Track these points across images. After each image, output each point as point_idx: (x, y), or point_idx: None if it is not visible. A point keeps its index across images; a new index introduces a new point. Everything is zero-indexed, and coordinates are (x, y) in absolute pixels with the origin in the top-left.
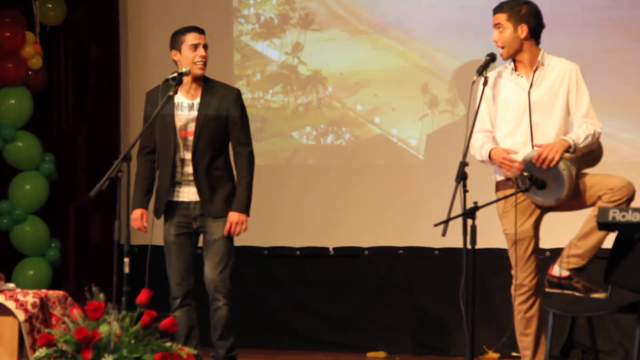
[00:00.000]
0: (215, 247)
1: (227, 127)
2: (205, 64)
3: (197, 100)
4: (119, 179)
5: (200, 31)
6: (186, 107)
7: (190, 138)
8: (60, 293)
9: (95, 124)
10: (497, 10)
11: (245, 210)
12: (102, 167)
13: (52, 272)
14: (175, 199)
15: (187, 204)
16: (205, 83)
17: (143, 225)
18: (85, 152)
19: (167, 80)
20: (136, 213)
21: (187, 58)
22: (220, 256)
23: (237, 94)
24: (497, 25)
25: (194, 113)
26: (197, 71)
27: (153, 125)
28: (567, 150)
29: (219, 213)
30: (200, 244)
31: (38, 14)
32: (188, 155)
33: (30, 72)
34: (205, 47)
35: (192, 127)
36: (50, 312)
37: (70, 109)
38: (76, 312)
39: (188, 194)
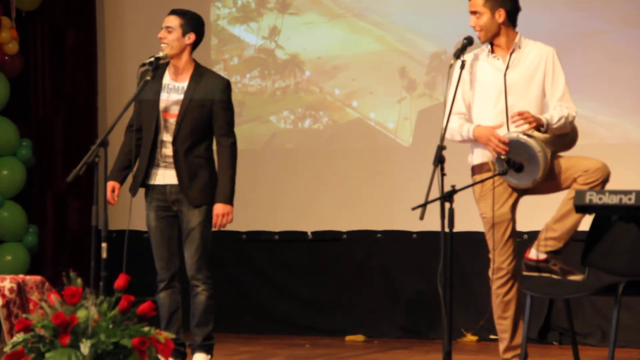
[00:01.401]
0: (192, 235)
1: (211, 115)
2: (167, 44)
3: (184, 84)
4: (96, 164)
5: (170, 12)
6: (172, 89)
7: (172, 120)
8: (38, 278)
9: (72, 109)
10: None
11: (230, 201)
12: (79, 152)
13: (30, 257)
14: (152, 182)
15: (164, 187)
16: (195, 69)
17: (112, 199)
18: (62, 138)
19: (142, 64)
20: (108, 185)
21: None
22: (197, 243)
23: (226, 84)
24: (474, 12)
25: (179, 96)
26: (161, 51)
27: (136, 108)
28: (539, 128)
29: (196, 201)
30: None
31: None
32: (168, 138)
33: (6, 58)
34: (167, 29)
35: (175, 110)
36: (28, 298)
37: (47, 95)
38: (54, 297)
39: (164, 176)
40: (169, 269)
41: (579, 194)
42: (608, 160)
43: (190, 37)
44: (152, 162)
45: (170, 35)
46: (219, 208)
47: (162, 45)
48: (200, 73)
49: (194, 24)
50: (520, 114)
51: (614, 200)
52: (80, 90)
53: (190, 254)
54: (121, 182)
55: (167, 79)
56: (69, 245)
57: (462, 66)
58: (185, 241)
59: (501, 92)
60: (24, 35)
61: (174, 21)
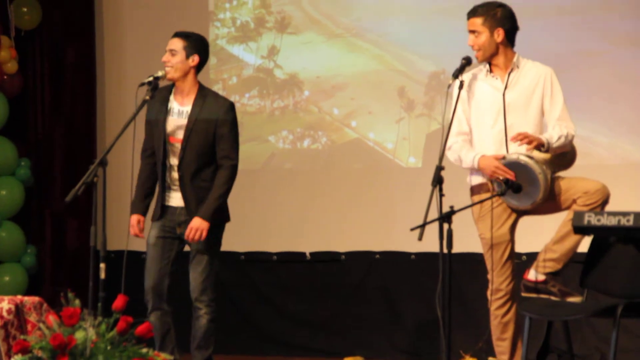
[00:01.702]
0: (198, 257)
1: (215, 138)
2: (171, 67)
3: (188, 108)
4: (94, 183)
5: (173, 35)
6: (176, 113)
7: (178, 145)
8: (36, 299)
9: (72, 129)
10: (472, 14)
11: (209, 218)
12: (78, 172)
13: (28, 278)
14: (167, 203)
15: (175, 208)
16: (199, 91)
17: (140, 231)
18: (61, 157)
19: (142, 84)
20: (133, 219)
21: None
22: (203, 266)
23: (229, 106)
24: (472, 31)
25: (183, 120)
26: (166, 75)
27: (147, 132)
28: (539, 148)
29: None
30: (187, 248)
31: (13, 18)
32: (175, 162)
33: (5, 77)
34: (171, 52)
35: (180, 134)
36: (26, 319)
37: (46, 114)
38: (52, 319)
39: (175, 199)
40: (155, 289)
41: (578, 215)
42: (606, 181)
43: (194, 59)
44: (164, 186)
45: (174, 58)
46: (194, 222)
47: (166, 68)
48: (203, 95)
49: (198, 45)
50: (520, 134)
51: (612, 221)
52: (79, 110)
53: (196, 276)
54: (144, 213)
55: (172, 102)
56: (67, 266)
57: (461, 86)
58: (191, 263)
59: (500, 111)
60: (23, 54)
61: (177, 44)
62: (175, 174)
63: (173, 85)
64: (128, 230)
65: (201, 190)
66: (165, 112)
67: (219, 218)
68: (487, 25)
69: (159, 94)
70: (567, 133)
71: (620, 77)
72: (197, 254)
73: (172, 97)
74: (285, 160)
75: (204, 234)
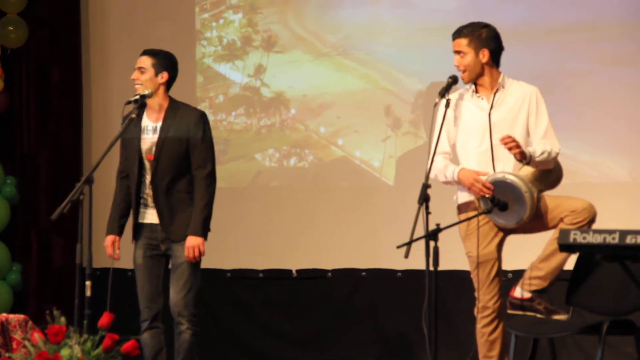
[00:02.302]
0: (179, 271)
1: (188, 149)
2: (140, 85)
3: (159, 124)
4: (80, 201)
5: (142, 53)
6: (150, 130)
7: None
8: (21, 317)
9: (57, 147)
10: (457, 35)
11: (201, 233)
12: (64, 190)
13: (13, 295)
14: (142, 220)
15: (153, 226)
16: (169, 105)
17: (115, 253)
18: (47, 175)
19: (128, 102)
20: (107, 240)
21: None
22: (185, 280)
23: (199, 115)
24: (458, 52)
25: (156, 136)
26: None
27: (122, 153)
28: (521, 160)
29: (181, 236)
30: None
31: None
32: (149, 178)
33: None
34: (140, 69)
35: (154, 150)
36: (11, 336)
37: (32, 132)
38: (37, 336)
39: (152, 215)
40: (152, 308)
41: (563, 233)
42: (592, 199)
43: (164, 76)
44: (140, 203)
45: (143, 76)
46: (189, 241)
47: (135, 86)
48: (174, 109)
49: (167, 62)
50: (506, 136)
51: (597, 239)
52: (65, 128)
53: (177, 291)
54: (119, 234)
55: (145, 120)
56: (52, 284)
57: (447, 105)
58: (172, 277)
59: (486, 131)
60: (9, 72)
61: (146, 61)
62: (149, 190)
63: (145, 105)
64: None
65: (175, 202)
66: (139, 131)
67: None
68: (472, 46)
69: (129, 116)
70: (551, 150)
71: (605, 96)
72: (179, 268)
73: (144, 116)
74: (271, 178)
75: (202, 248)
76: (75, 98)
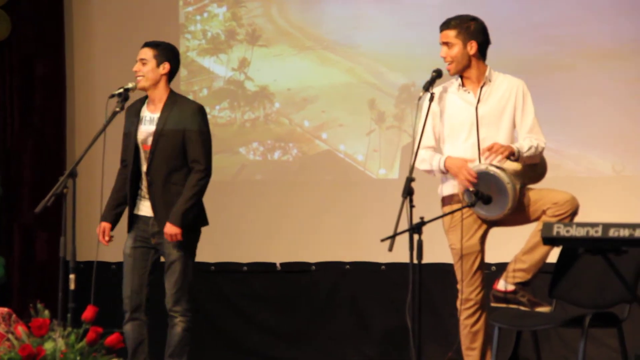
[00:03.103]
0: (173, 267)
1: (184, 142)
2: (142, 76)
3: (157, 115)
4: (64, 195)
5: (143, 45)
6: (148, 121)
7: (148, 152)
8: (5, 310)
9: (41, 141)
10: (445, 27)
11: (179, 222)
12: (47, 184)
13: None
14: (137, 212)
15: (147, 218)
16: (169, 97)
17: (104, 239)
18: (30, 169)
19: (112, 96)
20: (99, 226)
21: None
22: (177, 276)
23: (197, 109)
24: (445, 43)
25: (153, 127)
26: (137, 85)
27: (124, 142)
28: (510, 157)
29: None
30: (162, 258)
31: None
32: (145, 169)
33: None
34: (141, 61)
35: (150, 141)
36: None
37: (15, 126)
38: (21, 329)
39: (146, 207)
40: (133, 299)
41: (547, 226)
42: (575, 193)
43: (165, 67)
44: (136, 194)
45: (145, 67)
46: (166, 227)
47: (137, 78)
48: (173, 101)
49: (168, 54)
50: (489, 148)
51: (581, 232)
52: (48, 121)
53: (170, 286)
54: (113, 222)
55: (144, 111)
56: (36, 277)
57: (431, 99)
58: (166, 273)
59: (473, 125)
60: None
61: (147, 53)
62: (145, 181)
63: (147, 96)
64: (97, 241)
65: (171, 195)
66: (137, 122)
67: (191, 225)
68: (460, 37)
69: (133, 107)
70: (538, 145)
71: (590, 90)
72: (171, 264)
73: (144, 107)
74: (255, 172)
75: (179, 237)
76: (59, 92)
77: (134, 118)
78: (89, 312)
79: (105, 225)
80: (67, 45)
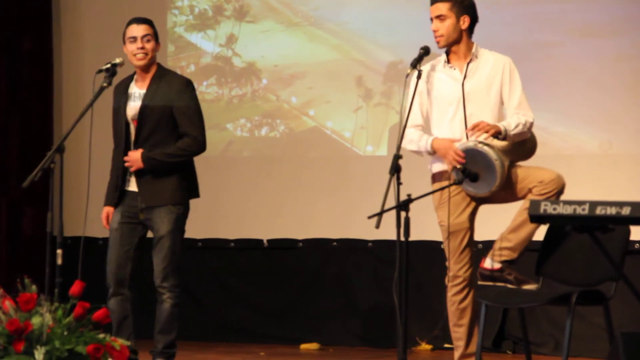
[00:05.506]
0: (161, 243)
1: (172, 116)
2: (145, 55)
3: (144, 90)
4: (51, 170)
5: (139, 21)
6: (137, 97)
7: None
8: None
9: (28, 116)
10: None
11: (146, 160)
12: (34, 159)
13: None
14: (126, 187)
15: (136, 194)
16: (157, 71)
17: (108, 225)
18: (17, 144)
19: (99, 71)
20: (103, 211)
21: (128, 51)
22: (165, 252)
23: (184, 82)
24: (438, 16)
25: (140, 102)
26: (136, 62)
27: (113, 122)
28: (497, 135)
29: (159, 201)
30: (150, 234)
31: None
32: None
33: None
34: (144, 38)
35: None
36: None
37: (2, 101)
38: (8, 304)
39: (134, 183)
40: (117, 274)
41: (534, 204)
42: (562, 171)
43: (158, 46)
44: (125, 170)
45: (149, 44)
46: (130, 154)
47: (139, 55)
48: (160, 75)
49: (155, 31)
50: (475, 126)
51: (568, 210)
52: (35, 97)
53: (158, 262)
54: (116, 206)
55: (133, 88)
56: (23, 252)
57: (419, 76)
58: (154, 249)
59: (459, 101)
60: None
61: (150, 30)
62: None
63: (134, 73)
64: (85, 216)
65: (157, 171)
66: (126, 99)
67: (179, 202)
68: (454, 10)
69: (121, 84)
70: (525, 121)
71: (575, 68)
72: (160, 239)
73: (132, 84)
74: (243, 148)
75: (134, 167)
76: (45, 67)
77: (122, 95)
78: (76, 287)
79: (109, 209)
80: (54, 20)
